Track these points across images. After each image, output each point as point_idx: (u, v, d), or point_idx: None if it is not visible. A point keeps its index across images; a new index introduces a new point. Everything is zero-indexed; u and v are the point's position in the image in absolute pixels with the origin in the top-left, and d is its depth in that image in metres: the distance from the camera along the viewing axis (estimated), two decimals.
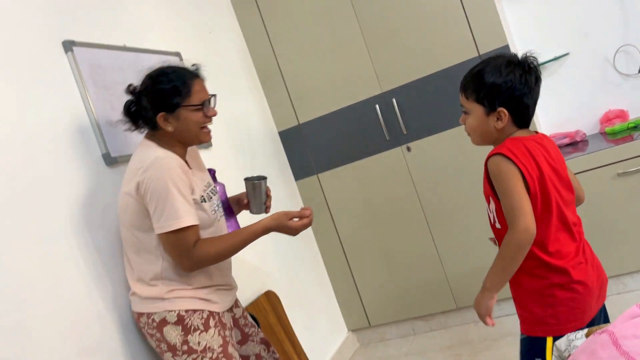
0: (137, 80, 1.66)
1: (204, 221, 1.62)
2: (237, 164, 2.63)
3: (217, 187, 1.86)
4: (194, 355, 1.58)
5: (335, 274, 3.09)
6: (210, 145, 2.43)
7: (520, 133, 1.48)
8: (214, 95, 1.68)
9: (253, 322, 1.94)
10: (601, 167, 2.51)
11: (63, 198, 1.65)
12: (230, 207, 1.94)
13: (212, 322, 1.63)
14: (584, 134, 2.91)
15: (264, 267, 2.58)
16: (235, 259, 2.37)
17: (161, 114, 1.58)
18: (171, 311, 1.60)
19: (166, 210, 1.50)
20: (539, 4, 2.94)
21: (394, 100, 2.80)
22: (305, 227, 1.67)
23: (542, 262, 1.42)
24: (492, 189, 1.45)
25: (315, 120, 2.98)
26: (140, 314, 1.64)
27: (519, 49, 2.94)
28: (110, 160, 1.84)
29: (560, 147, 2.88)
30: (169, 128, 1.60)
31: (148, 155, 1.56)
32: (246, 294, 2.34)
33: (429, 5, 2.67)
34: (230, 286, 1.79)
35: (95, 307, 1.66)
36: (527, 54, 1.47)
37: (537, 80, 1.46)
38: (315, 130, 3.00)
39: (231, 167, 2.57)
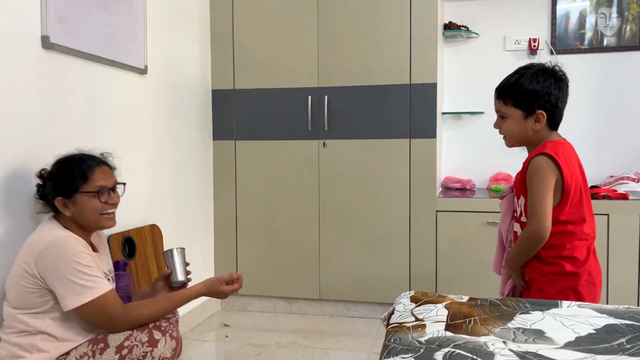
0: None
1: None
2: (159, 104, 2.71)
3: (124, 278, 1.93)
4: None
5: (220, 235, 3.22)
6: (146, 73, 2.50)
7: (555, 136, 1.66)
8: (123, 184, 1.75)
9: None
10: (474, 212, 2.87)
11: None
12: (130, 299, 1.94)
13: (71, 348, 1.62)
14: (474, 184, 3.29)
15: (157, 201, 2.66)
16: (133, 187, 2.46)
17: (59, 198, 1.63)
18: None
19: (79, 283, 1.53)
20: (474, 60, 3.30)
21: (326, 97, 3.01)
22: (234, 291, 1.81)
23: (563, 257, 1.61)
24: (524, 186, 1.63)
25: (250, 90, 3.13)
26: None
27: (443, 92, 3.29)
28: (48, 45, 1.88)
29: (449, 189, 3.24)
30: (67, 213, 1.64)
31: (48, 234, 1.59)
32: (133, 219, 2.41)
33: (382, 26, 2.93)
34: None
35: None
36: (556, 65, 1.69)
37: (567, 86, 1.68)
38: (247, 100, 3.14)
39: (153, 106, 2.65)
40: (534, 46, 3.21)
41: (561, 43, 3.22)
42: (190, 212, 3.00)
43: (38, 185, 1.70)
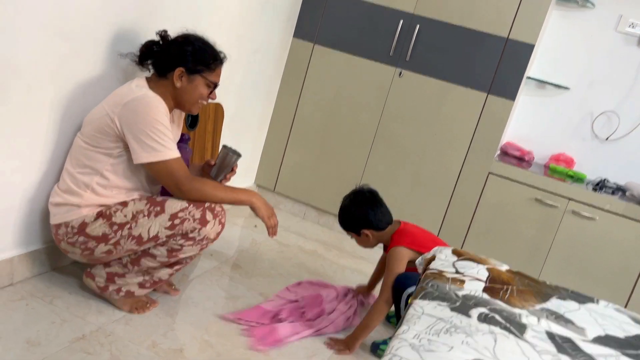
0: None
1: None
2: None
3: (185, 151, 1.95)
4: (128, 225, 1.67)
5: (274, 131, 3.27)
6: None
7: (392, 228, 2.13)
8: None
9: None
10: (525, 184, 2.84)
11: None
12: None
13: (128, 199, 1.73)
14: (533, 157, 3.22)
15: (227, 83, 2.69)
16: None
17: (181, 68, 1.71)
18: (87, 215, 1.68)
19: (154, 141, 1.61)
20: (580, 32, 3.10)
21: (417, 26, 2.91)
22: (274, 225, 1.92)
23: None
24: None
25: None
26: (58, 226, 1.70)
27: (537, 53, 3.14)
28: None
29: (507, 155, 3.19)
30: (177, 84, 1.73)
31: (137, 91, 1.66)
32: None
33: None
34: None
35: None
36: (363, 186, 2.21)
37: (373, 195, 2.15)
38: (338, 7, 3.05)
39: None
40: None
41: None
42: (254, 102, 3.04)
43: (152, 43, 1.76)
